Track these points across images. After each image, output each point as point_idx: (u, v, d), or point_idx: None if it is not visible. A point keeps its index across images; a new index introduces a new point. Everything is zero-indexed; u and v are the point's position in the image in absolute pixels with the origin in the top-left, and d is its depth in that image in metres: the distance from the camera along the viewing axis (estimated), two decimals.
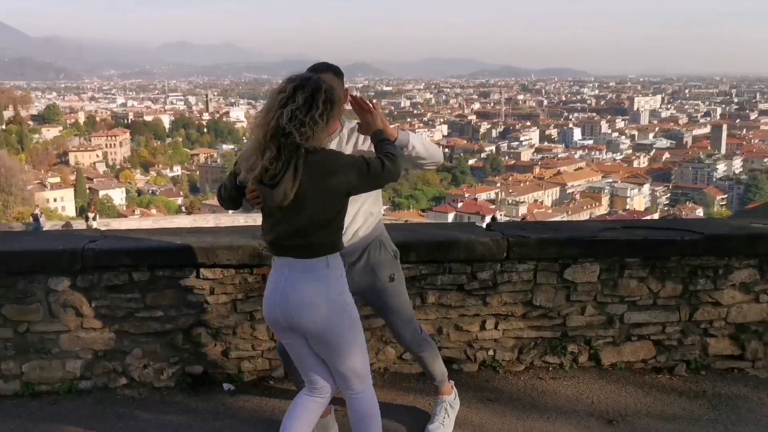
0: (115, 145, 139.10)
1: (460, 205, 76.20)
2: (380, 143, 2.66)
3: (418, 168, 3.07)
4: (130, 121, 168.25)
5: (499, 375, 4.02)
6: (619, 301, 4.04)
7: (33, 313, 3.68)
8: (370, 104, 2.74)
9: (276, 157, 2.38)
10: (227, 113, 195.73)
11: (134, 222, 27.21)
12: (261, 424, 3.50)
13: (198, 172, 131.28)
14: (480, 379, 3.99)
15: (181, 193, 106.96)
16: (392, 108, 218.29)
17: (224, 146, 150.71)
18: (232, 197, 2.68)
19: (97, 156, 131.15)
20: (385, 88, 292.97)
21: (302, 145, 2.37)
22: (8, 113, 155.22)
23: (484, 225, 4.37)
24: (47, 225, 23.29)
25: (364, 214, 3.04)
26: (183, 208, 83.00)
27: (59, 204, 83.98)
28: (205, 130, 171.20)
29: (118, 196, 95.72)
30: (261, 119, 2.42)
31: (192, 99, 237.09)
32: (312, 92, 2.39)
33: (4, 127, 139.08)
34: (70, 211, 77.20)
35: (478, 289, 3.93)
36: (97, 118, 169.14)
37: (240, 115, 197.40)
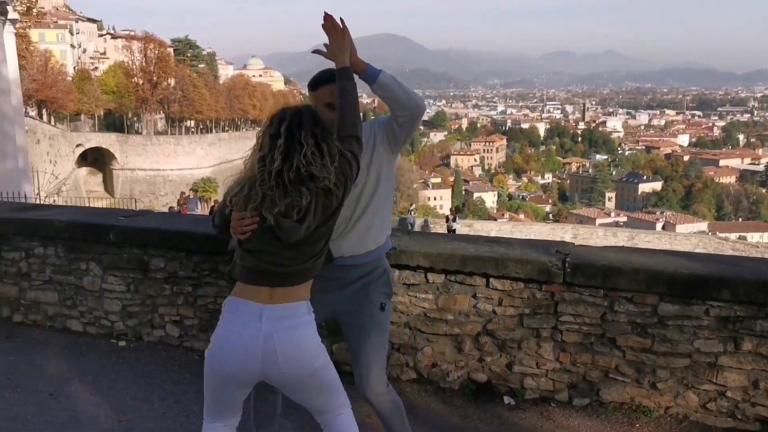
0: (491, 150, 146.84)
1: None
2: (342, 80, 2.48)
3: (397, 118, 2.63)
4: (507, 128, 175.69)
5: None
6: None
7: None
8: (342, 26, 2.51)
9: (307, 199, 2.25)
10: (604, 123, 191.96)
11: (494, 225, 28.39)
12: None
13: (568, 181, 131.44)
14: None
15: (550, 200, 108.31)
16: None
17: (597, 156, 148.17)
18: (224, 226, 2.43)
19: (475, 160, 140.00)
20: None
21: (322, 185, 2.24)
22: None
23: None
24: (418, 221, 25.82)
25: (370, 217, 2.69)
26: (550, 216, 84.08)
27: (438, 203, 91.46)
28: (579, 139, 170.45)
29: (490, 199, 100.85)
30: (264, 162, 2.24)
31: (569, 108, 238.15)
32: (313, 131, 2.23)
33: None
34: (447, 210, 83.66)
35: None
36: (478, 125, 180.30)
37: (617, 125, 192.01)
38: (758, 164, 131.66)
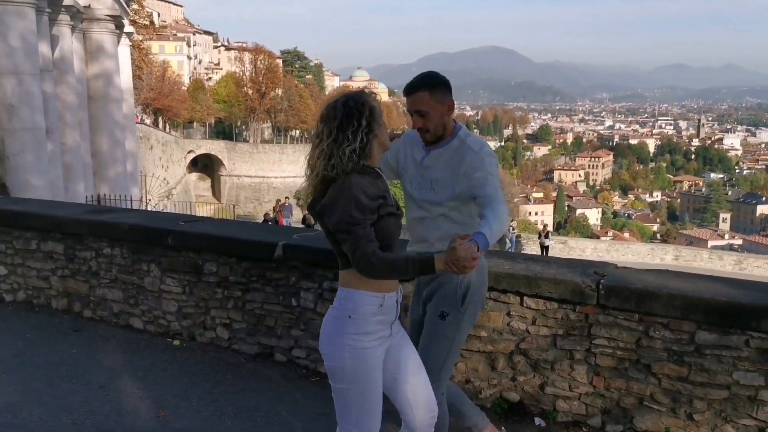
0: (597, 166, 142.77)
1: None
2: (419, 263, 2.20)
3: None
4: (614, 144, 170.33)
5: None
6: None
7: None
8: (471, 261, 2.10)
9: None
10: (720, 140, 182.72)
11: (589, 243, 27.55)
12: None
13: (679, 200, 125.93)
14: None
15: (658, 219, 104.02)
16: None
17: (711, 175, 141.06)
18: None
19: (579, 176, 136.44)
20: None
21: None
22: (507, 131, 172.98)
23: None
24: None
25: (438, 221, 2.79)
26: (658, 235, 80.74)
27: (539, 218, 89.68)
28: (693, 156, 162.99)
29: (593, 215, 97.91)
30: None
31: (682, 123, 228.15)
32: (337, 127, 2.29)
33: (502, 143, 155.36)
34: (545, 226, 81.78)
35: None
36: (584, 139, 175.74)
37: (735, 142, 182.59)
38: None
